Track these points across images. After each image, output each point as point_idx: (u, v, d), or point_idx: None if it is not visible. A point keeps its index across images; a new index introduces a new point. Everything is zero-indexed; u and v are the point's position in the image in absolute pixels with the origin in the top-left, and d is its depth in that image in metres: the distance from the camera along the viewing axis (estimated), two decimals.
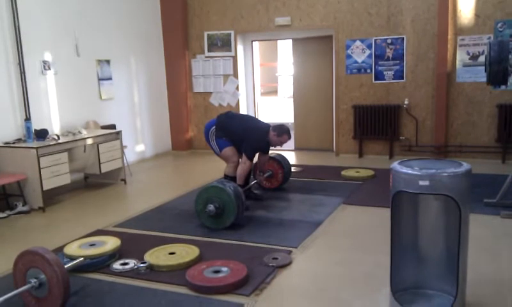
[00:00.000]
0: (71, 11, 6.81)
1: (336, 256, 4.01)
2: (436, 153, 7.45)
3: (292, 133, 8.95)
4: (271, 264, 3.79)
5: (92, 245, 4.03)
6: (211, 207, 4.60)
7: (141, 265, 3.77)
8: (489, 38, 6.99)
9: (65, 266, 3.31)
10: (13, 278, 3.28)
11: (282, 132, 5.37)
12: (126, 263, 3.87)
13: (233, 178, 5.36)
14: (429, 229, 3.13)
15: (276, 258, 3.89)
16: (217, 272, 3.58)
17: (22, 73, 6.05)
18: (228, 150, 5.38)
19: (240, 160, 5.45)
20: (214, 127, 5.42)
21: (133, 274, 3.73)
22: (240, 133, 5.34)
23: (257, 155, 5.71)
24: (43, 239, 4.63)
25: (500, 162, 7.13)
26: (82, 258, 3.74)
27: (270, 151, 5.86)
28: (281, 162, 6.12)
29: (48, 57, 6.48)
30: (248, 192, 5.69)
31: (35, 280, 3.12)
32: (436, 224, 3.10)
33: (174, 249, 4.07)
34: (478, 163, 6.66)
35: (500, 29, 7.00)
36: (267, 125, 5.52)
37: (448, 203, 2.84)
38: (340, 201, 5.51)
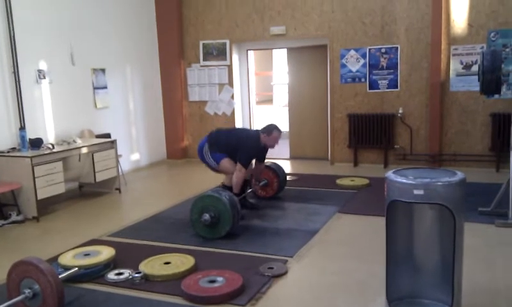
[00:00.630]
0: (66, 20, 6.82)
1: (332, 265, 4.01)
2: (431, 161, 7.49)
3: (287, 142, 9.10)
4: (266, 274, 3.79)
5: (87, 255, 4.01)
6: (206, 216, 4.60)
7: (136, 275, 3.75)
8: (482, 47, 7.06)
9: (59, 276, 3.29)
10: (6, 289, 3.26)
11: (270, 130, 5.41)
12: (121, 273, 3.85)
13: (230, 188, 5.34)
14: (424, 238, 3.13)
15: (272, 268, 3.89)
16: (212, 281, 3.57)
17: (17, 82, 6.04)
18: (226, 162, 5.37)
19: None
20: (207, 144, 5.43)
21: (128, 284, 3.71)
22: (234, 144, 5.36)
23: (254, 163, 5.72)
24: (37, 249, 4.60)
25: (494, 171, 7.17)
26: (76, 268, 3.71)
27: (266, 160, 5.88)
28: (277, 171, 6.13)
29: (43, 66, 6.48)
30: (244, 201, 5.68)
31: (29, 290, 3.10)
32: (431, 233, 3.11)
33: (169, 258, 4.05)
34: (472, 172, 6.70)
35: (493, 39, 7.07)
36: (256, 131, 5.57)
37: (443, 212, 2.85)
38: (335, 210, 5.52)
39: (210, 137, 5.49)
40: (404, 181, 2.77)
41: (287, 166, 8.45)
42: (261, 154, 5.66)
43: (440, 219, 3.02)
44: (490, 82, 4.84)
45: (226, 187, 5.37)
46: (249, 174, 5.73)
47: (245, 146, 5.34)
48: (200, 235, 4.73)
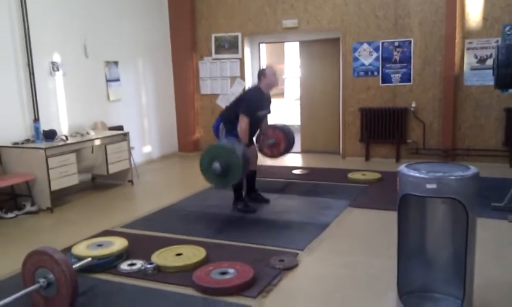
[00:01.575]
0: (80, 13, 6.87)
1: (343, 259, 4.01)
2: (444, 156, 7.43)
3: (298, 136, 9.08)
4: (277, 266, 3.80)
5: (100, 245, 4.06)
6: (217, 165, 4.60)
7: (148, 266, 3.79)
8: (497, 41, 6.96)
9: (73, 266, 3.34)
10: (21, 278, 3.31)
11: (262, 72, 5.26)
12: (133, 264, 3.89)
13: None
14: (436, 233, 3.12)
15: (283, 260, 3.90)
16: (223, 273, 3.59)
17: (31, 74, 6.11)
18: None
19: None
20: (222, 124, 5.34)
21: (140, 274, 3.75)
22: (239, 105, 5.23)
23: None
24: (51, 239, 4.67)
25: (508, 166, 7.09)
26: (90, 259, 3.76)
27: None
28: (286, 133, 6.06)
29: (57, 58, 6.54)
30: (255, 194, 5.71)
31: (43, 280, 3.15)
32: (443, 228, 3.10)
33: (181, 250, 4.09)
34: (485, 167, 6.63)
35: (508, 33, 6.97)
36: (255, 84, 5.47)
37: (456, 207, 2.83)
38: (346, 204, 5.51)
39: (222, 115, 5.43)
40: (417, 175, 2.76)
41: (298, 160, 8.45)
42: (265, 104, 5.41)
43: (452, 213, 3.00)
44: (505, 76, 4.78)
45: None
46: (253, 166, 5.66)
47: (244, 98, 5.27)
48: (209, 183, 4.85)
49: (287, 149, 6.12)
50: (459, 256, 2.89)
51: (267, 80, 5.24)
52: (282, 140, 6.04)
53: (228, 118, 5.31)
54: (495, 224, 4.62)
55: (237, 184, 5.33)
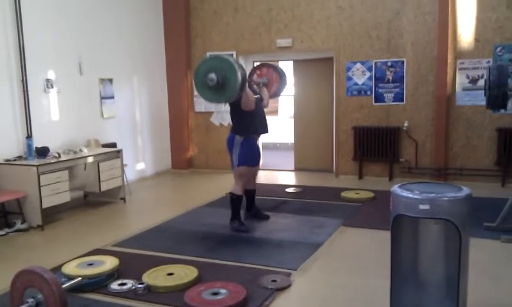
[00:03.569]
0: (75, 31, 6.89)
1: (336, 279, 3.99)
2: (436, 175, 7.45)
3: (291, 153, 9.10)
4: (270, 286, 3.77)
5: (90, 264, 4.01)
6: (213, 75, 4.48)
7: (139, 285, 3.74)
8: (488, 62, 7.06)
9: (63, 285, 3.29)
10: (10, 297, 3.26)
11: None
12: (124, 284, 3.84)
13: (238, 198, 5.34)
14: (429, 253, 3.11)
15: (275, 281, 3.87)
16: (215, 294, 3.55)
17: (25, 91, 6.09)
18: (243, 169, 5.28)
19: (248, 182, 5.46)
20: (236, 135, 5.25)
21: (131, 294, 3.70)
22: (236, 106, 5.19)
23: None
24: (41, 258, 4.60)
25: (500, 186, 7.12)
26: (80, 278, 3.71)
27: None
28: (281, 75, 5.94)
29: (51, 75, 6.54)
30: (256, 211, 5.72)
31: (32, 300, 3.09)
32: (436, 248, 3.09)
33: (172, 269, 4.05)
34: (478, 186, 6.66)
35: (500, 53, 7.07)
36: None
37: (449, 227, 2.83)
38: (339, 223, 5.49)
39: (232, 129, 5.35)
40: (410, 195, 2.76)
41: (291, 178, 8.45)
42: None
43: (445, 234, 3.00)
44: (497, 96, 4.83)
45: (233, 196, 5.34)
46: (253, 185, 5.70)
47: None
48: (207, 100, 4.79)
49: (278, 92, 5.99)
50: (452, 276, 2.88)
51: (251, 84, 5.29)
52: (274, 81, 5.89)
53: (237, 124, 5.30)
54: (487, 244, 4.62)
55: (235, 203, 5.32)
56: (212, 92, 4.65)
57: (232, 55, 8.65)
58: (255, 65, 9.01)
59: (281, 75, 5.98)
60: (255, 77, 5.92)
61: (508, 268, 4.13)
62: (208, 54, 8.81)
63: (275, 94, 6.02)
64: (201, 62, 4.81)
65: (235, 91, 4.61)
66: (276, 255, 4.53)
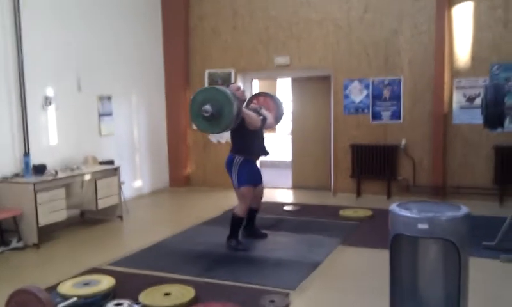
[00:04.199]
0: (74, 48, 6.92)
1: (335, 299, 3.95)
2: (434, 193, 7.44)
3: (289, 171, 9.09)
4: None
5: (86, 284, 3.97)
6: (208, 107, 4.54)
7: (135, 305, 3.70)
8: (485, 80, 7.10)
9: (58, 306, 3.25)
10: None
11: (227, 87, 5.18)
12: (120, 304, 3.79)
13: (240, 219, 5.31)
14: (428, 273, 3.08)
15: (273, 301, 3.83)
16: None
17: (24, 108, 6.09)
18: (245, 189, 5.25)
19: (253, 200, 5.42)
20: (236, 155, 5.25)
21: None
22: (235, 131, 5.22)
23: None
24: (36, 277, 4.56)
25: (498, 204, 7.10)
26: (75, 298, 3.67)
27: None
28: (277, 103, 5.98)
29: (50, 92, 6.55)
30: (254, 230, 5.69)
31: None
32: (435, 268, 3.07)
33: (169, 289, 4.01)
34: (475, 205, 6.61)
35: (496, 72, 7.13)
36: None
37: (448, 247, 2.81)
38: (338, 242, 5.46)
39: (232, 149, 5.37)
40: (408, 215, 2.76)
41: (289, 196, 8.43)
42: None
43: (444, 253, 2.97)
44: (493, 115, 4.85)
45: (235, 217, 5.30)
46: (257, 204, 5.67)
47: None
48: (199, 128, 4.89)
49: (277, 118, 6.00)
50: (452, 296, 2.86)
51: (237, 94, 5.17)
52: (272, 109, 5.92)
53: (237, 145, 5.31)
54: (486, 264, 4.59)
55: (236, 224, 5.28)
56: (206, 123, 4.71)
57: (230, 73, 8.71)
58: (253, 81, 9.12)
59: (277, 104, 6.03)
60: (251, 105, 5.94)
61: (508, 288, 4.10)
62: (207, 71, 8.90)
63: (274, 121, 6.03)
64: (197, 92, 4.88)
65: (229, 123, 4.67)
66: (274, 275, 4.50)
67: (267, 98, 6.03)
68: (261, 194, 5.67)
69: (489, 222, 5.94)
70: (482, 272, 4.31)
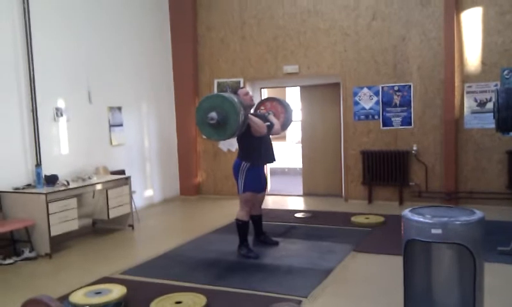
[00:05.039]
0: (85, 60, 7.00)
1: (347, 306, 3.90)
2: (447, 199, 7.36)
3: (300, 178, 9.07)
4: None
5: (98, 293, 3.97)
6: (213, 114, 4.55)
7: None
8: (496, 85, 7.05)
9: None
10: None
11: (235, 93, 5.22)
12: None
13: (244, 223, 5.31)
14: (442, 279, 3.04)
15: None
16: None
17: (35, 119, 6.16)
18: (248, 195, 5.28)
19: (253, 207, 5.43)
20: (243, 162, 5.26)
21: None
22: (242, 137, 5.22)
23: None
24: (48, 286, 4.57)
25: None
26: None
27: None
28: (285, 106, 5.96)
29: (61, 104, 6.61)
30: (264, 237, 5.67)
31: None
32: (449, 274, 3.03)
33: (181, 297, 3.99)
34: (489, 210, 6.52)
35: (507, 76, 7.07)
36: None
37: (462, 252, 2.77)
38: (350, 248, 5.42)
39: (238, 155, 5.38)
40: (422, 220, 2.73)
41: (300, 203, 8.39)
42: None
43: (458, 258, 2.93)
44: (505, 119, 4.81)
45: (239, 222, 5.30)
46: (259, 211, 5.66)
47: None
48: (205, 135, 4.90)
49: (285, 124, 5.98)
50: (468, 302, 2.82)
51: (240, 98, 5.16)
52: (280, 112, 5.92)
53: (243, 151, 5.32)
54: (502, 269, 4.52)
55: (242, 229, 5.28)
56: (211, 130, 4.74)
57: (239, 82, 8.73)
58: (262, 90, 9.14)
59: (285, 106, 6.02)
60: (259, 111, 5.95)
61: None
62: (216, 81, 8.93)
63: (282, 126, 5.99)
64: (204, 98, 4.91)
65: (234, 131, 4.69)
66: (286, 282, 4.47)
67: (275, 103, 6.02)
68: (261, 201, 5.69)
69: (503, 227, 5.86)
70: (497, 278, 4.24)
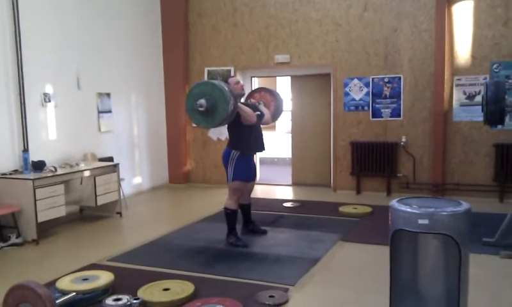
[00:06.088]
0: (74, 45, 6.90)
1: (334, 295, 3.94)
2: (434, 190, 7.44)
3: (289, 168, 9.09)
4: (267, 302, 3.72)
5: (85, 279, 3.95)
6: (203, 101, 4.56)
7: (134, 301, 3.68)
8: (485, 78, 7.10)
9: (57, 301, 3.24)
10: None
11: (226, 82, 5.17)
12: (119, 299, 3.77)
13: (233, 212, 5.31)
14: (428, 269, 3.07)
15: (273, 296, 3.82)
16: None
17: (22, 104, 6.07)
18: (238, 184, 5.27)
19: (242, 196, 5.43)
20: (233, 150, 5.25)
21: None
22: (232, 125, 5.20)
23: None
24: (35, 272, 4.55)
25: (498, 201, 7.11)
26: (74, 293, 3.66)
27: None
28: (275, 96, 5.97)
29: (49, 89, 6.53)
30: (253, 226, 5.68)
31: None
32: (435, 264, 3.06)
33: (168, 285, 4.00)
34: (475, 201, 6.60)
35: (496, 70, 7.12)
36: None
37: (448, 242, 2.80)
38: (337, 238, 5.46)
39: (228, 144, 5.37)
40: (409, 210, 2.74)
41: (289, 193, 8.42)
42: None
43: (444, 249, 2.96)
44: (494, 112, 4.84)
45: (228, 210, 5.31)
46: (248, 200, 5.67)
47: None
48: (195, 123, 4.90)
49: (276, 113, 5.97)
50: (452, 292, 2.85)
51: (231, 87, 5.12)
52: (270, 101, 5.91)
53: (233, 139, 5.30)
54: (486, 260, 4.59)
55: (231, 218, 5.29)
56: (200, 117, 4.73)
57: (229, 70, 8.69)
58: (252, 79, 9.11)
59: (276, 96, 6.00)
60: (249, 101, 5.93)
61: (508, 284, 4.10)
62: (206, 69, 8.88)
63: (273, 116, 5.96)
64: (195, 85, 4.89)
65: (223, 119, 4.69)
66: (274, 270, 4.49)
67: (266, 93, 6.01)
68: (250, 190, 5.69)
69: (489, 218, 5.93)
70: (482, 268, 4.30)
